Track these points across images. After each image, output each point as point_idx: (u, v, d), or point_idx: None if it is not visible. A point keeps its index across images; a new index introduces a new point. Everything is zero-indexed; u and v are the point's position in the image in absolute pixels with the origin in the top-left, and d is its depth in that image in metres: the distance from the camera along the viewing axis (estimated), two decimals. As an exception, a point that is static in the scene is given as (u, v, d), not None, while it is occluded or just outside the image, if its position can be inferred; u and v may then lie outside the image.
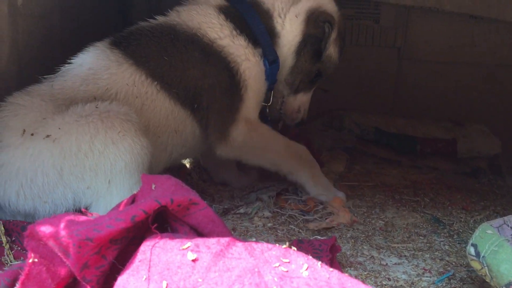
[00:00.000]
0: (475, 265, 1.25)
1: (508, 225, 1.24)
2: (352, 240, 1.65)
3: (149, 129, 1.66)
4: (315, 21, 1.89)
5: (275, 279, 0.91)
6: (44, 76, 1.67)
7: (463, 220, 1.83)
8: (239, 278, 0.92)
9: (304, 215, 1.78)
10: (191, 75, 1.75)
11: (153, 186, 1.13)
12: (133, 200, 1.15)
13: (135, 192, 1.18)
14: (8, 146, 1.43)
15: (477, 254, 1.21)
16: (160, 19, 1.83)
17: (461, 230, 1.75)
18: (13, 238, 1.35)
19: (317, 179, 1.88)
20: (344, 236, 1.68)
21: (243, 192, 2.04)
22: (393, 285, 1.38)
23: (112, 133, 1.41)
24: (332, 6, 1.96)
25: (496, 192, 2.22)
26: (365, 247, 1.61)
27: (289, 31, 1.90)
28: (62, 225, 0.96)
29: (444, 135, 2.71)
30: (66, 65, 1.70)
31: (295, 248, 0.99)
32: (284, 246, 0.99)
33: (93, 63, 1.70)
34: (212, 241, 0.98)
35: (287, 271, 0.93)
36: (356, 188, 2.10)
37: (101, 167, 1.40)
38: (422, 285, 1.39)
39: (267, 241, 1.61)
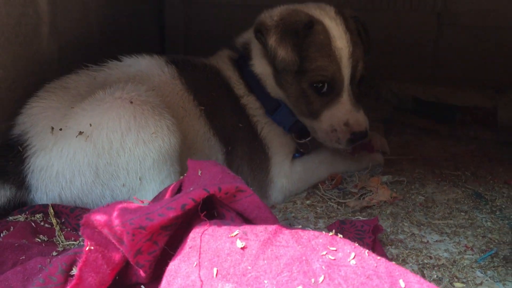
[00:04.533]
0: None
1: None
2: (392, 217, 1.65)
3: (186, 139, 1.62)
4: (259, 41, 1.70)
5: (323, 267, 0.93)
6: (87, 64, 1.65)
7: (505, 196, 1.79)
8: (287, 266, 0.94)
9: (340, 197, 1.79)
10: (228, 121, 1.74)
11: (199, 172, 1.15)
12: (180, 185, 1.18)
13: (170, 183, 1.18)
14: (43, 150, 1.41)
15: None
16: (206, 59, 1.83)
17: (503, 206, 1.72)
18: (63, 220, 1.40)
19: (354, 160, 1.94)
20: (383, 212, 1.68)
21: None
22: (435, 264, 1.38)
23: (145, 134, 1.39)
24: (269, 11, 1.73)
25: (539, 164, 2.16)
26: (405, 224, 1.61)
27: (258, 66, 1.76)
28: (115, 214, 1.00)
29: (484, 103, 2.64)
30: (114, 60, 1.69)
31: (341, 236, 1.00)
32: (331, 233, 1.00)
33: (146, 67, 1.69)
34: (259, 228, 1.00)
35: (334, 259, 0.94)
36: (395, 162, 2.07)
37: (131, 165, 1.40)
38: (464, 264, 1.38)
39: (307, 218, 1.65)
